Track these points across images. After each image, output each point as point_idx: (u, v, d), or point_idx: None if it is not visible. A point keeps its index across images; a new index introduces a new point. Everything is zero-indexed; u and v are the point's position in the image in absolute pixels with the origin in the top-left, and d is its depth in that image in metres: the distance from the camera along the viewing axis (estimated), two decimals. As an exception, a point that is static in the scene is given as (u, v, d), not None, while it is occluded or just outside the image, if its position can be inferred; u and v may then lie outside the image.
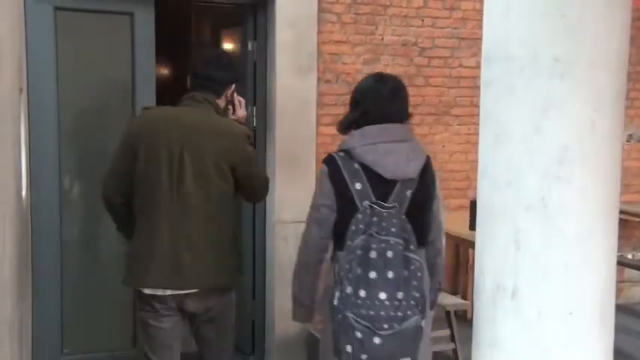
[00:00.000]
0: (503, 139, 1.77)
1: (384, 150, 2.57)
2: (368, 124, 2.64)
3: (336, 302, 2.43)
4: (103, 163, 4.42)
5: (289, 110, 4.51)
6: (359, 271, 2.39)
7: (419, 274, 2.43)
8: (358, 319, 2.35)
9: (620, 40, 1.67)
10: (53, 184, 4.19)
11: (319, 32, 4.58)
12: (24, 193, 3.27)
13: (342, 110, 4.66)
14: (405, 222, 2.47)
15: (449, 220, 4.68)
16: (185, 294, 2.93)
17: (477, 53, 4.92)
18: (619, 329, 1.90)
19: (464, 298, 4.72)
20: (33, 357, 4.02)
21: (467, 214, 4.40)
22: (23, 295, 3.21)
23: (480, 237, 1.92)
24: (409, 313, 2.37)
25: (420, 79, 4.87)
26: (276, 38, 4.45)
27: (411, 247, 2.45)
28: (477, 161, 4.73)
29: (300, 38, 4.51)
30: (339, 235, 2.56)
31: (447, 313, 3.96)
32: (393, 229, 2.44)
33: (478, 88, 5.03)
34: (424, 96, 4.89)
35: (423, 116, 4.90)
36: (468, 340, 3.79)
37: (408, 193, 2.57)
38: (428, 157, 2.71)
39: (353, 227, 2.48)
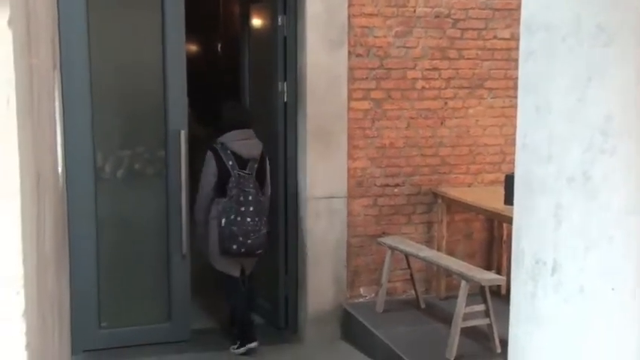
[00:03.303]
0: (543, 111, 1.72)
1: (242, 143, 4.36)
2: (233, 129, 4.39)
3: (223, 223, 4.26)
4: (134, 140, 4.49)
5: (320, 85, 4.48)
6: (236, 207, 4.26)
7: (264, 207, 4.40)
8: (238, 232, 4.23)
9: (667, 5, 1.60)
10: (87, 161, 4.24)
11: (350, 5, 4.51)
12: (60, 169, 3.31)
13: (374, 85, 4.63)
14: (255, 181, 4.34)
15: (482, 194, 4.63)
16: None
17: (511, 24, 4.80)
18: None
19: (498, 273, 4.68)
20: (72, 331, 4.10)
21: (501, 188, 4.33)
22: (61, 270, 3.26)
23: (519, 212, 1.88)
24: (262, 227, 4.32)
25: (453, 51, 4.78)
26: (307, 12, 4.40)
27: (259, 193, 4.37)
28: (512, 135, 4.62)
29: (331, 12, 4.46)
30: (219, 190, 4.32)
31: (482, 288, 3.93)
32: (250, 185, 4.32)
33: (513, 60, 4.94)
34: (457, 69, 4.81)
35: (455, 90, 4.82)
36: (502, 315, 3.77)
37: (255, 165, 4.38)
38: (263, 146, 4.45)
39: (230, 185, 4.29)
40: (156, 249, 4.49)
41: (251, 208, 4.25)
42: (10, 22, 1.17)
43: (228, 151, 4.30)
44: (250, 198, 4.26)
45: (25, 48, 1.39)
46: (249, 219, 4.23)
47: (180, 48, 4.37)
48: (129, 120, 4.46)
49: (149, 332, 4.46)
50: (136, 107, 4.46)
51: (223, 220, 4.23)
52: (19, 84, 1.21)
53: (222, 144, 4.34)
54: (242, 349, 4.36)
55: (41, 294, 1.65)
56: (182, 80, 4.36)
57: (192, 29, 4.66)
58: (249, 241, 4.22)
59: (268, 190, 4.50)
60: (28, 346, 1.29)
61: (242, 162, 4.31)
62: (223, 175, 4.28)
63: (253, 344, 4.36)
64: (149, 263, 4.53)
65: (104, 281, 4.35)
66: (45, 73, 2.17)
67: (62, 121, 3.86)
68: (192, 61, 4.66)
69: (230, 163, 4.29)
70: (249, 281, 4.50)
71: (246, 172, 4.30)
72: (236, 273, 4.40)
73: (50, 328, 2.09)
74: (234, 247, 4.23)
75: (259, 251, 4.33)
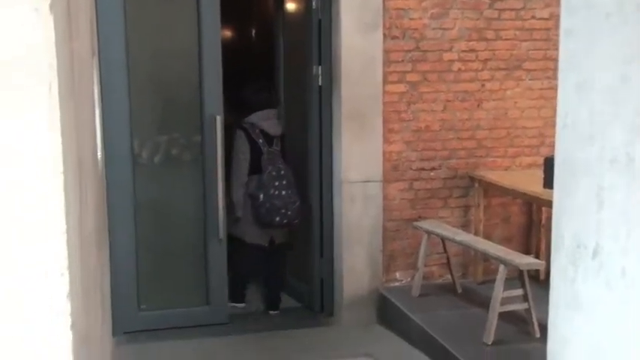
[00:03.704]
0: (585, 91, 1.68)
1: (270, 122, 4.66)
2: (261, 109, 4.65)
3: (262, 198, 4.54)
4: (170, 126, 4.54)
5: (355, 69, 4.46)
6: (272, 181, 4.55)
7: (292, 180, 4.65)
8: (280, 205, 4.54)
9: None
10: (125, 147, 4.30)
11: (385, -13, 4.47)
12: (99, 153, 3.38)
13: (410, 67, 4.59)
14: (282, 156, 4.69)
15: (520, 178, 4.57)
16: None
17: (550, 3, 4.70)
18: None
19: (536, 257, 4.62)
20: (112, 313, 4.19)
21: (540, 171, 4.26)
22: (102, 253, 3.33)
23: (559, 194, 1.84)
24: (296, 199, 4.63)
25: (491, 32, 4.71)
26: (341, -5, 4.38)
27: (288, 168, 4.66)
28: (551, 117, 4.53)
29: (366, -6, 4.42)
30: (250, 167, 4.59)
31: (521, 272, 3.88)
32: (279, 160, 4.64)
33: (552, 40, 4.84)
34: (494, 50, 4.73)
35: (493, 71, 4.75)
36: (540, 299, 3.73)
37: (279, 141, 4.69)
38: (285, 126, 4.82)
39: (264, 162, 4.58)
40: (193, 233, 4.54)
41: (284, 182, 4.60)
42: (52, 7, 1.19)
43: (257, 130, 4.59)
44: (282, 172, 4.61)
45: (66, 32, 1.41)
46: (284, 192, 4.57)
47: (216, 33, 4.39)
48: (165, 106, 4.51)
49: (187, 315, 4.53)
50: (172, 93, 4.50)
51: (261, 196, 4.54)
52: (61, 69, 1.23)
53: (251, 123, 4.62)
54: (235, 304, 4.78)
55: (84, 275, 1.68)
56: (218, 66, 4.39)
57: (227, 15, 4.68)
58: (289, 212, 4.57)
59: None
60: (73, 326, 1.32)
61: (269, 139, 4.63)
62: (254, 153, 4.57)
63: (240, 305, 4.86)
64: (186, 247, 4.59)
65: (143, 265, 4.43)
66: (85, 58, 2.20)
67: (100, 107, 3.92)
68: (226, 46, 4.68)
69: (260, 140, 4.60)
70: (278, 253, 4.81)
71: (275, 148, 4.62)
72: (266, 243, 4.72)
73: (93, 309, 2.13)
74: (277, 219, 4.57)
75: (296, 221, 4.66)
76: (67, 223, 1.27)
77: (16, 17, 1.15)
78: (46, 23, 1.16)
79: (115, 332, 4.24)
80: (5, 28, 1.16)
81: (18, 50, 1.15)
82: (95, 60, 3.57)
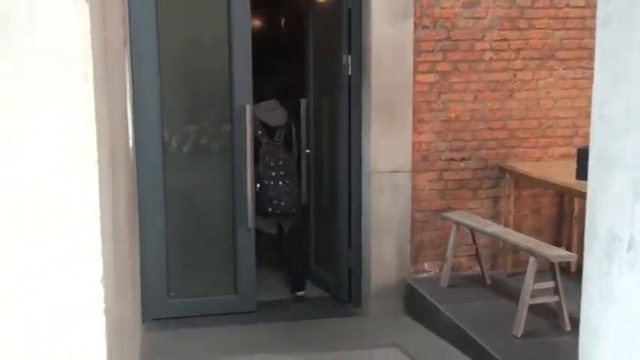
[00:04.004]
0: (622, 81, 1.64)
1: (270, 113, 4.74)
2: (260, 101, 4.69)
3: (258, 189, 4.63)
4: (199, 116, 4.56)
5: (385, 58, 4.43)
6: (269, 172, 4.68)
7: (293, 170, 4.80)
8: (273, 195, 4.65)
9: None
10: (155, 136, 4.34)
11: (416, -24, 4.43)
12: (130, 143, 3.41)
13: (440, 57, 4.55)
14: (283, 147, 4.77)
15: (552, 169, 4.51)
16: None
17: (585, -9, 4.62)
18: None
19: (567, 249, 4.56)
20: (142, 300, 4.25)
21: (572, 162, 4.20)
22: (133, 241, 3.38)
23: (593, 186, 1.81)
24: (293, 189, 4.76)
25: (523, 21, 4.64)
26: (372, -17, 4.34)
27: (289, 158, 4.78)
28: (584, 107, 4.47)
29: (396, -17, 4.39)
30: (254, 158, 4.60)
31: (552, 265, 3.84)
32: (280, 151, 4.75)
33: (587, 29, 4.75)
34: (527, 39, 4.66)
35: (525, 61, 4.68)
36: (571, 292, 3.69)
37: (283, 132, 4.80)
38: (288, 114, 4.86)
39: (261, 152, 4.68)
40: (222, 222, 4.58)
41: (282, 172, 4.73)
42: (87, -3, 1.20)
43: (257, 122, 4.66)
44: (281, 163, 4.73)
45: (100, 22, 1.42)
46: (280, 182, 4.71)
47: (246, 23, 4.40)
48: (194, 95, 4.53)
49: (216, 303, 4.57)
50: (202, 83, 4.52)
51: (258, 185, 4.66)
52: (96, 58, 1.24)
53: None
54: None
55: (117, 262, 1.71)
56: (247, 55, 4.39)
57: (257, 4, 4.68)
58: (282, 203, 4.71)
59: (296, 153, 4.96)
60: (107, 311, 1.34)
61: (270, 130, 4.75)
62: (254, 144, 4.60)
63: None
64: (215, 236, 4.63)
65: (173, 253, 4.48)
66: (117, 47, 2.22)
67: (131, 97, 3.96)
68: (256, 35, 4.69)
69: (259, 132, 4.70)
70: (290, 239, 4.98)
71: (275, 139, 4.74)
72: (272, 230, 4.94)
73: (124, 295, 2.16)
74: (270, 209, 4.75)
75: (293, 210, 4.83)
76: (101, 210, 1.28)
77: (54, 7, 1.16)
78: (82, 13, 1.17)
79: (144, 318, 4.31)
80: (43, 17, 1.17)
81: (55, 39, 1.17)
82: (127, 50, 3.60)
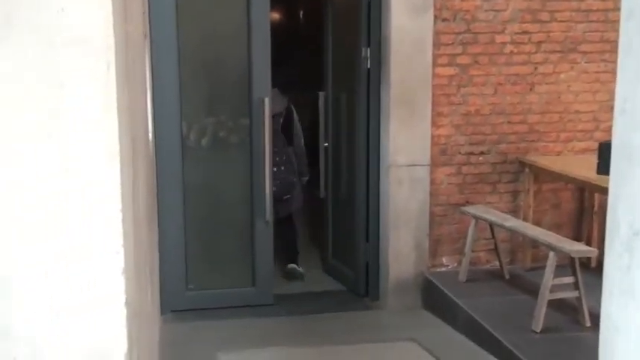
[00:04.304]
0: (646, 74, 1.62)
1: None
2: None
3: None
4: (218, 109, 4.58)
5: (404, 51, 4.41)
6: None
7: (291, 157, 5.02)
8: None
9: None
10: (174, 129, 4.35)
11: (436, -32, 4.40)
12: (150, 136, 3.43)
13: (460, 50, 4.52)
14: (281, 134, 4.92)
15: (573, 163, 4.47)
16: None
17: (609, -17, 4.55)
18: None
19: (588, 244, 4.52)
20: (160, 292, 4.28)
21: (593, 157, 4.16)
22: (152, 233, 3.40)
23: (615, 181, 1.79)
24: (288, 175, 4.98)
25: (545, 14, 4.59)
26: (391, -24, 4.32)
27: (285, 145, 4.96)
28: (606, 101, 4.41)
29: (416, -25, 4.36)
30: None
31: (572, 260, 3.81)
32: (278, 138, 4.81)
33: (610, 22, 4.69)
34: (549, 32, 4.61)
35: (547, 54, 4.63)
36: (590, 288, 3.66)
37: (280, 120, 4.93)
38: (290, 102, 5.06)
39: None
40: (240, 215, 4.59)
41: (277, 159, 4.78)
42: (109, -11, 1.20)
43: None
44: (276, 149, 4.71)
45: (122, 15, 1.43)
46: (275, 168, 4.70)
47: (265, 16, 4.39)
48: (213, 89, 4.54)
49: (234, 295, 4.59)
50: (221, 76, 4.53)
51: None
52: (118, 50, 1.25)
53: None
54: None
55: (137, 254, 1.72)
56: (266, 48, 4.39)
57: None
58: (274, 188, 4.67)
59: (297, 140, 5.11)
60: (128, 303, 1.35)
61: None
62: None
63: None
64: (234, 229, 4.65)
65: (191, 245, 4.50)
66: (138, 40, 2.23)
67: (151, 90, 3.98)
68: (274, 28, 4.68)
69: None
70: (284, 225, 5.09)
71: (274, 127, 4.73)
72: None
73: (144, 287, 2.18)
74: None
75: (287, 196, 4.99)
76: (123, 202, 1.29)
77: (78, -1, 1.17)
78: (104, 5, 1.18)
79: (163, 310, 4.34)
80: (67, 8, 1.18)
81: (78, 30, 1.18)
82: (147, 43, 3.61)
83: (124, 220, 1.30)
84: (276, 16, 8.59)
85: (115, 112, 1.22)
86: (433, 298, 4.55)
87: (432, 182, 4.61)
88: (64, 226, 1.29)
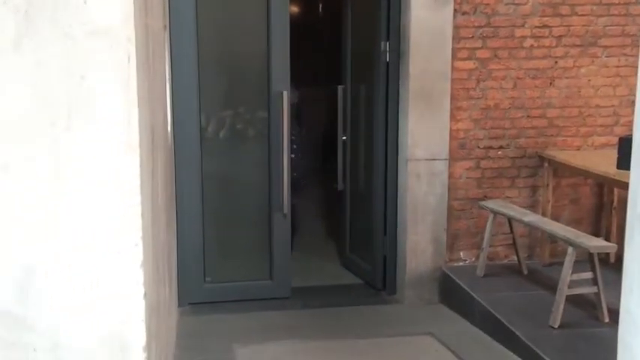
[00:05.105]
0: (669, 68, 1.60)
1: None
2: None
3: None
4: (236, 101, 4.59)
5: (423, 45, 4.38)
6: None
7: (304, 144, 5.32)
8: None
9: None
10: (193, 121, 4.37)
11: (456, -39, 4.36)
12: (169, 128, 3.45)
13: (480, 44, 4.49)
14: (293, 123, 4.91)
15: (592, 158, 4.43)
16: None
17: (631, -23, 4.49)
18: None
19: (607, 240, 4.48)
20: (178, 284, 4.31)
21: (613, 152, 4.11)
22: (170, 226, 3.42)
23: (636, 176, 1.77)
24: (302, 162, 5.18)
25: (565, 7, 4.54)
26: (411, -31, 4.30)
27: (297, 134, 5.20)
28: (627, 96, 4.38)
29: (436, -32, 4.33)
30: None
31: (590, 255, 3.77)
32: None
33: (631, 15, 4.63)
34: (569, 26, 4.56)
35: (567, 48, 4.58)
36: (609, 283, 3.62)
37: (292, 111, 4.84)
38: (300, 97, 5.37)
39: None
40: (258, 208, 4.61)
41: (294, 146, 4.90)
42: (130, -16, 1.21)
43: None
44: (293, 137, 4.80)
45: (142, 8, 1.44)
46: (293, 155, 4.77)
47: (284, 9, 4.39)
48: (232, 81, 4.56)
49: (251, 288, 4.61)
50: (240, 68, 4.54)
51: None
52: (139, 42, 1.25)
53: None
54: None
55: (156, 246, 1.73)
56: (285, 41, 4.39)
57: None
58: (294, 174, 4.80)
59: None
60: (146, 295, 1.36)
61: None
62: None
63: None
64: (251, 222, 4.66)
65: (209, 238, 4.52)
66: (157, 33, 2.24)
67: (170, 82, 4.00)
68: (293, 21, 4.67)
69: None
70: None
71: None
72: None
73: (162, 279, 2.20)
74: None
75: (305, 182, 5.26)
76: (142, 195, 1.30)
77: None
78: (125, -1, 1.19)
79: (180, 302, 4.37)
80: (88, 2, 1.19)
81: (100, 23, 1.19)
82: (166, 35, 3.63)
83: (142, 213, 1.31)
84: (295, 9, 8.58)
85: (135, 104, 1.22)
86: (450, 292, 4.54)
87: (451, 176, 4.59)
88: (84, 218, 1.30)
